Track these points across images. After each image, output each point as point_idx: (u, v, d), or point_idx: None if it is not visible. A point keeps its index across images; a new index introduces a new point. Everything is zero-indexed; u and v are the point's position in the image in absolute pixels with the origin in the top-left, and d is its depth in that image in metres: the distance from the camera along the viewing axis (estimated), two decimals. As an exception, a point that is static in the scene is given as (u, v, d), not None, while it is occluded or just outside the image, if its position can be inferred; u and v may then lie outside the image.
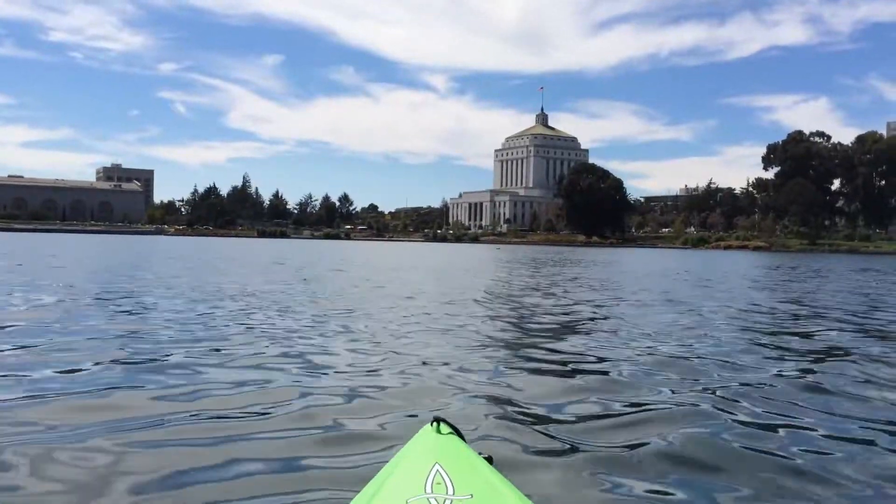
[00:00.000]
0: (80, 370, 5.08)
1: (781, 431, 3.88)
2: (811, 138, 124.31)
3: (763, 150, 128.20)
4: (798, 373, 5.58)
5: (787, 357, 6.38)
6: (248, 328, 7.51)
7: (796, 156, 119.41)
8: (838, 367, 5.86)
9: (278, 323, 8.02)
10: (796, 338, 7.74)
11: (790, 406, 4.44)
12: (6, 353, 5.70)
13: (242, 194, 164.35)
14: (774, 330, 8.45)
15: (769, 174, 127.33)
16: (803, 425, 4.02)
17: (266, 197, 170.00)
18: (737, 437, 3.73)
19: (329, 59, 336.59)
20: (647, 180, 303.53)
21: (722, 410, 4.26)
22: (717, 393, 4.75)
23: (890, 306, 12.65)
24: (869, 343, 7.44)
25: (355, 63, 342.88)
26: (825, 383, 5.14)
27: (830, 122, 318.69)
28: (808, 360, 6.18)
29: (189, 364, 5.37)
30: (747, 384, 5.04)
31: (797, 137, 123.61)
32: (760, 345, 7.05)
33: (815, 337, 7.99)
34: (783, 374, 5.53)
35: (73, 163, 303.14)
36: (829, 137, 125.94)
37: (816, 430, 3.91)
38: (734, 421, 4.04)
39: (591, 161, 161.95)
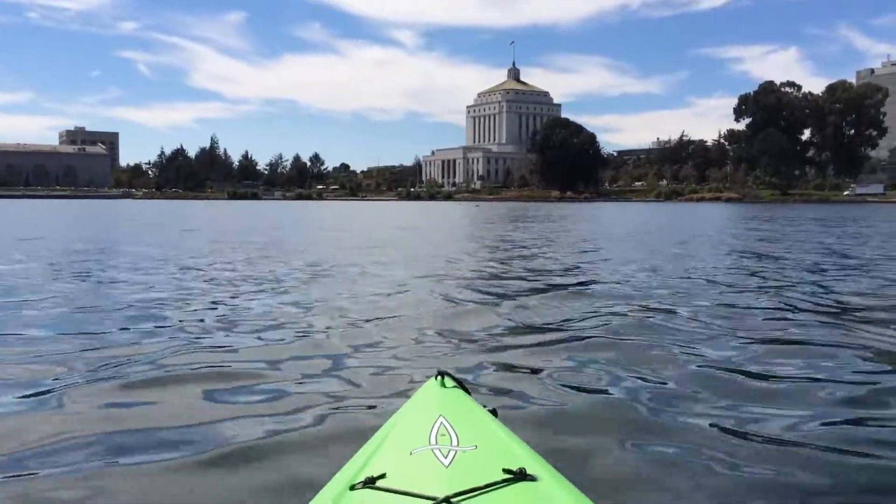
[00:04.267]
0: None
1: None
2: (782, 88, 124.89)
3: (733, 102, 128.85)
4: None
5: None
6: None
7: (767, 106, 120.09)
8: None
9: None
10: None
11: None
12: None
13: (211, 156, 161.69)
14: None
15: (741, 125, 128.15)
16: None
17: (235, 158, 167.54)
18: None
19: (294, 15, 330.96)
20: (618, 134, 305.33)
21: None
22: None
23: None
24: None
25: (321, 19, 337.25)
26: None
27: (800, 72, 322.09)
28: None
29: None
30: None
31: (768, 88, 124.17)
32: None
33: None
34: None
35: (34, 126, 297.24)
36: (799, 87, 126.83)
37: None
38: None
39: (563, 116, 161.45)
